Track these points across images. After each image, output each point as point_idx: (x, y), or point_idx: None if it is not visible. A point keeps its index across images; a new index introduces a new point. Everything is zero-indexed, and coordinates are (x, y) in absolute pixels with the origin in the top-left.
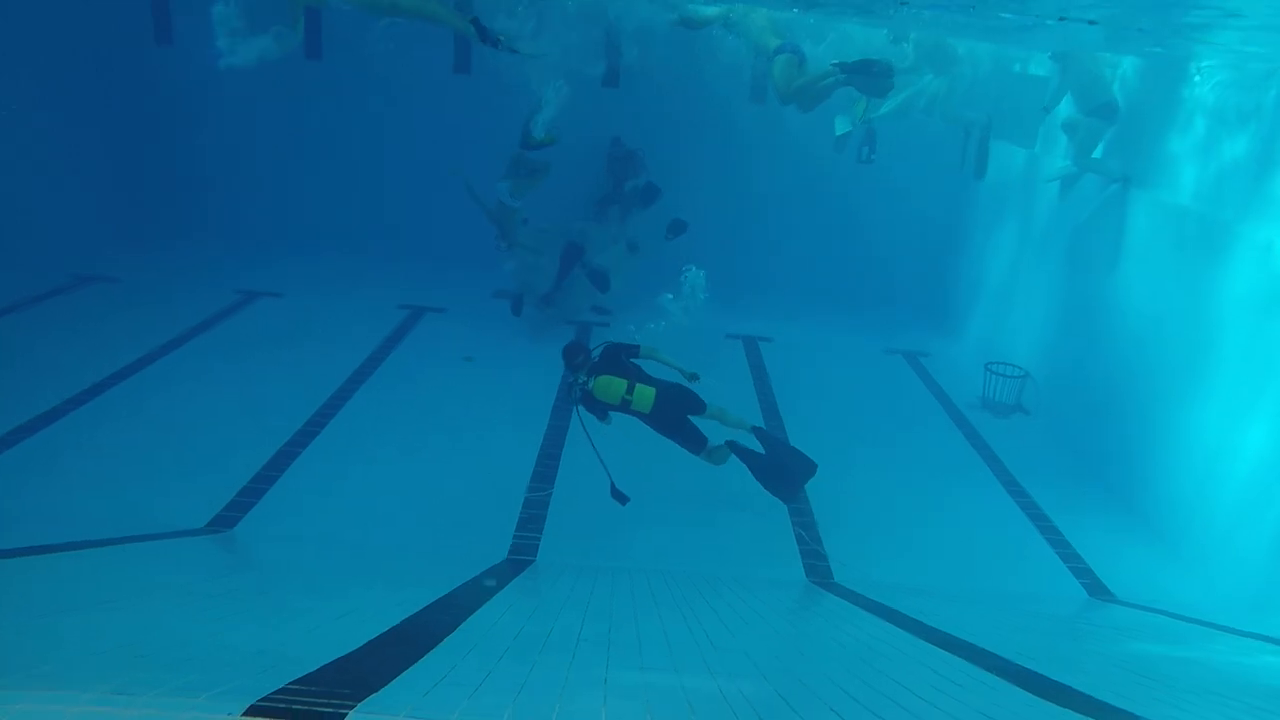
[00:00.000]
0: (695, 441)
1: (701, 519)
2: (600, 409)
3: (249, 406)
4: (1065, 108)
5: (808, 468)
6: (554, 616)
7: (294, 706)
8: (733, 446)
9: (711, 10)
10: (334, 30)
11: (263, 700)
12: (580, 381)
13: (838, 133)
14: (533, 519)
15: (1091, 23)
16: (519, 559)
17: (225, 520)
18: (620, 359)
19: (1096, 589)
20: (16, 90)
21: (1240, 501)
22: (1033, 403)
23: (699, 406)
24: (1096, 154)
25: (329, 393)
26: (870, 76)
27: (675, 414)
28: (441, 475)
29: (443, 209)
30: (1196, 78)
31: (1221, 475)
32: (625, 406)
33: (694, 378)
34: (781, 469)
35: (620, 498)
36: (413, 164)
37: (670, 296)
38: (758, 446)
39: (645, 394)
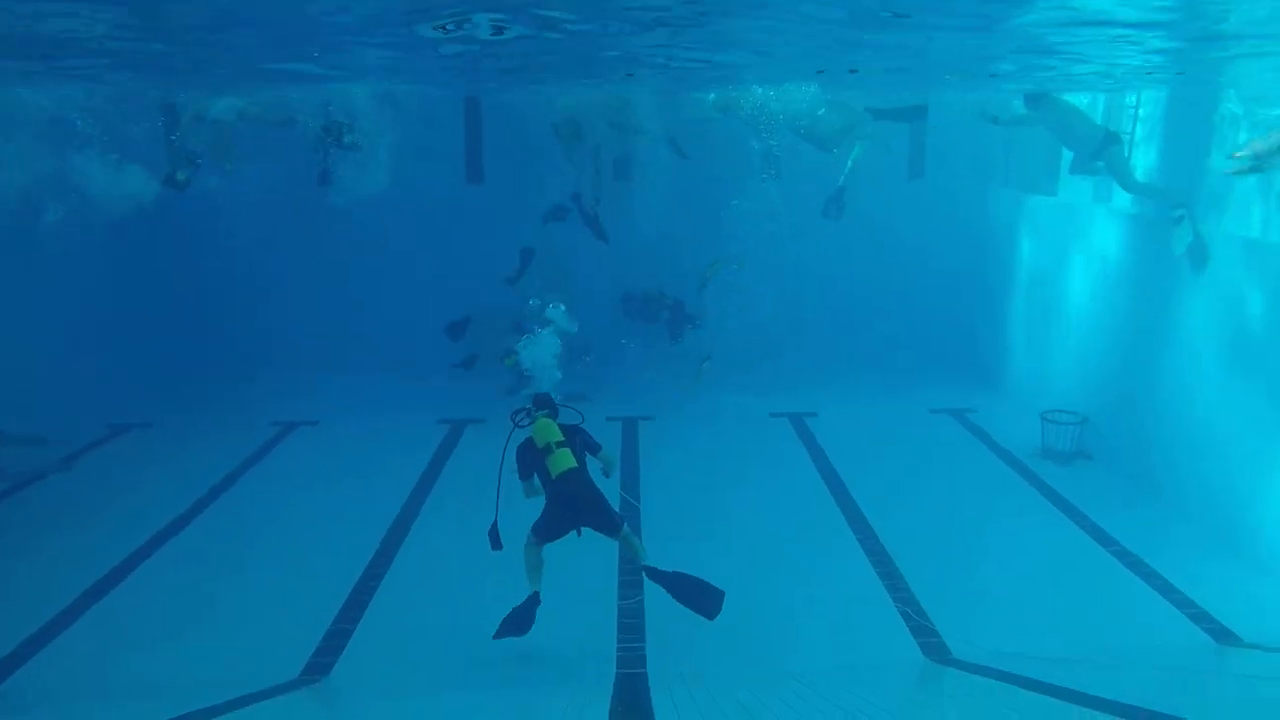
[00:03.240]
0: (546, 534)
1: (805, 604)
2: (520, 465)
3: (313, 542)
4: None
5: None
6: None
7: None
8: (650, 573)
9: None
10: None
11: None
12: (530, 410)
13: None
14: (632, 626)
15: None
16: (629, 673)
17: (319, 667)
18: (575, 435)
19: (1221, 634)
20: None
21: None
22: (1094, 446)
23: (611, 526)
24: (1140, 178)
25: (392, 516)
26: None
27: (577, 505)
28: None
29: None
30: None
31: None
32: (544, 454)
33: (607, 474)
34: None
35: (495, 540)
36: (434, 275)
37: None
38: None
39: (565, 457)
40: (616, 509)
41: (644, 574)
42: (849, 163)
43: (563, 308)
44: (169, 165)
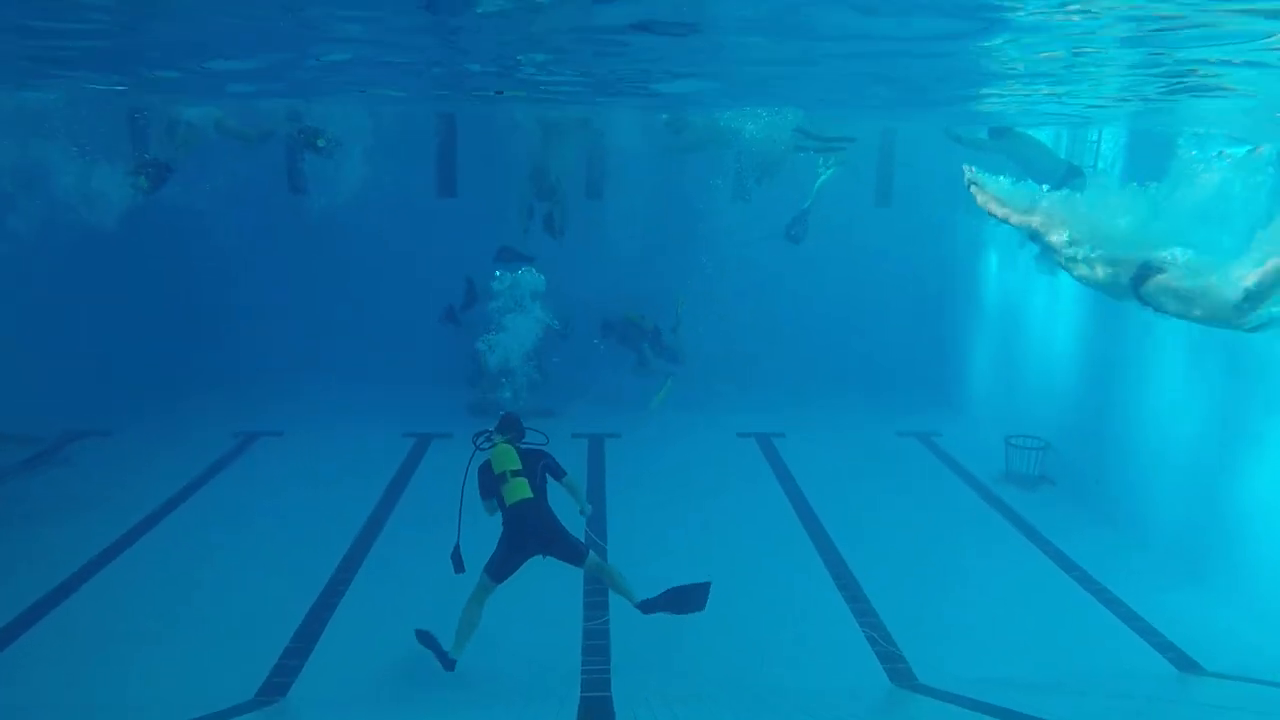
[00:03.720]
0: (500, 572)
1: (770, 627)
2: (481, 486)
3: (273, 558)
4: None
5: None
6: None
7: None
8: (645, 608)
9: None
10: (316, 161)
11: None
12: (492, 434)
13: None
14: (597, 648)
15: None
16: (593, 696)
17: (276, 687)
18: (536, 463)
19: (1184, 662)
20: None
21: None
22: (1057, 471)
23: (575, 555)
24: None
25: (354, 533)
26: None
27: (533, 535)
28: (492, 611)
29: (438, 331)
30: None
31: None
32: (500, 481)
33: (584, 512)
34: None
35: (458, 563)
36: (404, 289)
37: None
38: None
39: (521, 487)
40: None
41: (640, 610)
42: (816, 187)
43: (541, 278)
44: (133, 164)
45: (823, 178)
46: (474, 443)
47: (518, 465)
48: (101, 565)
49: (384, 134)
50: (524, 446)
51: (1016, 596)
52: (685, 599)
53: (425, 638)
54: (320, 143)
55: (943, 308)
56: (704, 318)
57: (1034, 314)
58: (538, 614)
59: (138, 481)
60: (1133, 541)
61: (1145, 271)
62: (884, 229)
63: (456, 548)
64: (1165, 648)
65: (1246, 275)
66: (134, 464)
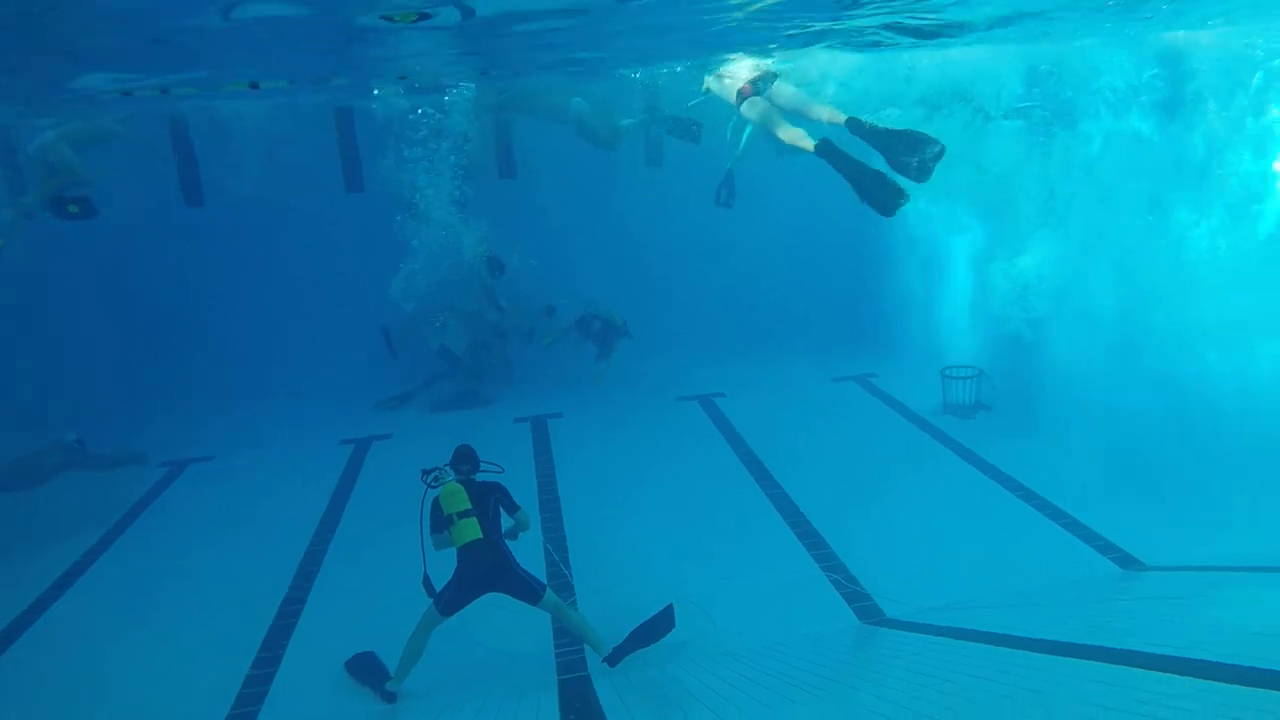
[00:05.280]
0: (449, 607)
1: (736, 584)
2: (432, 521)
3: (221, 586)
4: None
5: (663, 617)
6: None
7: None
8: (613, 659)
9: None
10: (211, 172)
11: None
12: (443, 472)
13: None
14: (567, 629)
15: None
16: (572, 678)
17: (243, 716)
18: (488, 497)
19: (1125, 560)
20: None
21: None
22: (992, 397)
23: (530, 595)
24: None
25: (303, 548)
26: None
27: (482, 576)
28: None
29: (361, 333)
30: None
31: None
32: (447, 524)
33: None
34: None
35: (430, 590)
36: (321, 292)
37: None
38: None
39: (470, 528)
40: (542, 556)
41: (608, 664)
42: (740, 147)
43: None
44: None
45: (748, 130)
46: (423, 481)
47: (466, 505)
48: (40, 612)
49: (283, 134)
50: (478, 479)
51: (966, 521)
52: (654, 629)
53: (359, 671)
54: (72, 209)
55: (864, 251)
56: (630, 289)
57: (955, 245)
58: (504, 603)
59: (66, 520)
60: (1069, 455)
61: (739, 99)
62: (798, 177)
63: (425, 576)
64: (1107, 549)
65: (797, 136)
66: (58, 501)
